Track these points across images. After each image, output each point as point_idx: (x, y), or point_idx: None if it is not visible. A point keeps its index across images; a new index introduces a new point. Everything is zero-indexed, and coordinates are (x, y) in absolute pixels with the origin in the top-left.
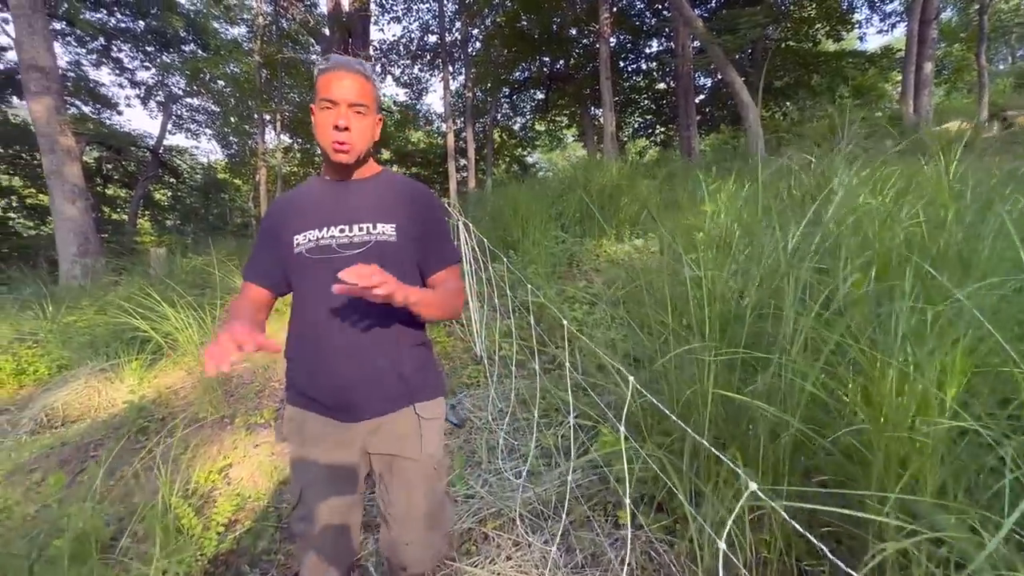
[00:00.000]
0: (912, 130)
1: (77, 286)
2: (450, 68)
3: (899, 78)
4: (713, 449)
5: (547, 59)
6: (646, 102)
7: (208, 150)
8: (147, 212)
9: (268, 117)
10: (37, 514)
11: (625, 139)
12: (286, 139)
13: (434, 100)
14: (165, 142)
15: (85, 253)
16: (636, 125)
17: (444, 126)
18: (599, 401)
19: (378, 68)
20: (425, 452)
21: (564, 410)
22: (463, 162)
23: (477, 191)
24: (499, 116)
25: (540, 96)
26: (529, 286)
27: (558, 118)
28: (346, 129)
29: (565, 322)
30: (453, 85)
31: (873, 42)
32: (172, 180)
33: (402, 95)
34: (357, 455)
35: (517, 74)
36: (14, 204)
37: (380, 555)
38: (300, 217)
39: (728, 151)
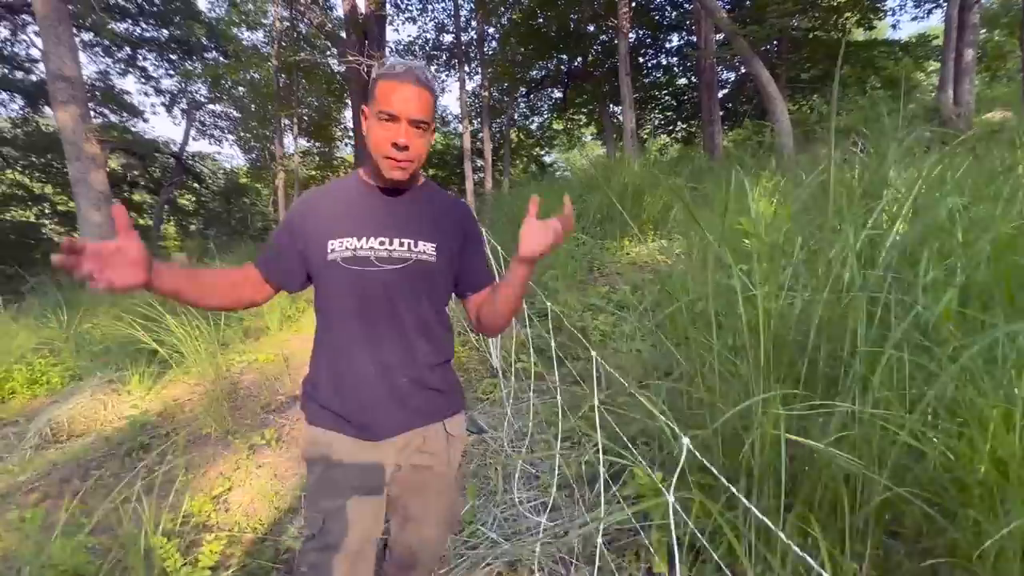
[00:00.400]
0: (951, 121)
1: (101, 291)
2: (466, 68)
3: (934, 67)
4: (769, 522)
5: (564, 57)
6: (666, 98)
7: (230, 155)
8: (173, 217)
9: (287, 121)
10: (18, 548)
11: (645, 136)
12: (304, 143)
13: (450, 101)
14: (189, 148)
15: None
16: (656, 122)
17: (460, 127)
18: (621, 432)
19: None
20: (451, 466)
21: (588, 435)
22: (479, 163)
23: (494, 192)
24: (516, 116)
25: (558, 95)
26: (545, 298)
27: (576, 116)
28: (406, 148)
29: (594, 355)
30: (469, 85)
31: (907, 30)
32: (196, 185)
33: None
34: (388, 475)
35: (534, 73)
36: (46, 211)
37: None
38: (337, 221)
39: (753, 147)
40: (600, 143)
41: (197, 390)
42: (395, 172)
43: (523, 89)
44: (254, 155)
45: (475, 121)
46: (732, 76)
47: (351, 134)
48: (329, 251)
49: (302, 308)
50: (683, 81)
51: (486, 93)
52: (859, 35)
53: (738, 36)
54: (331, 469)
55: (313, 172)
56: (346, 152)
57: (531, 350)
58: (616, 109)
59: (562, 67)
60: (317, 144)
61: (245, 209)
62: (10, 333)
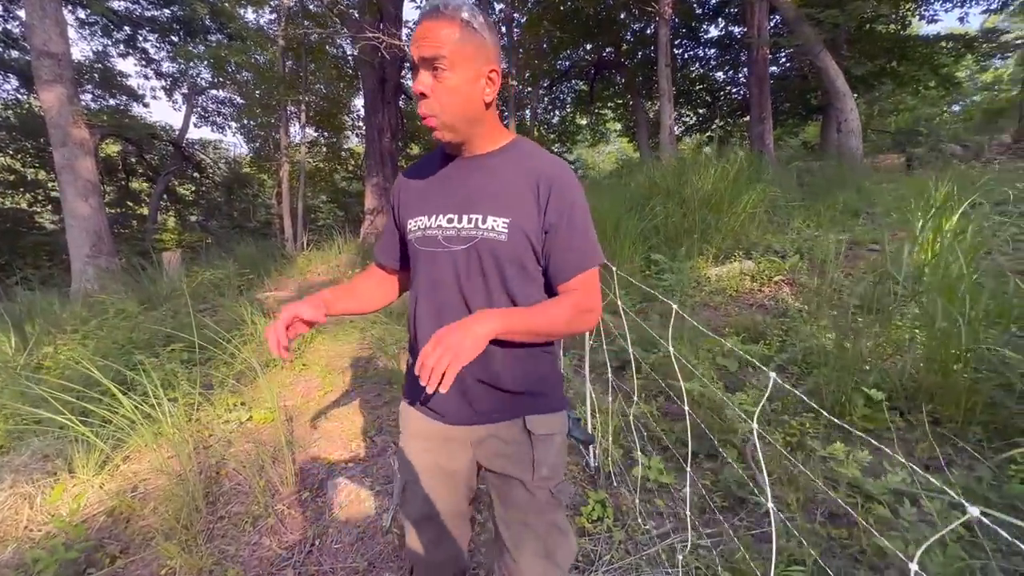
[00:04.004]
0: None
1: (84, 289)
2: None
3: (996, 65)
4: None
5: (589, 46)
6: (703, 94)
7: (233, 143)
8: (172, 207)
9: (293, 109)
10: None
11: (679, 133)
12: (311, 132)
13: None
14: (190, 135)
15: (98, 254)
16: (691, 119)
17: None
18: None
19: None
20: (538, 475)
21: None
22: None
23: None
24: (539, 109)
25: (583, 86)
26: (651, 366)
27: (602, 111)
28: (423, 96)
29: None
30: None
31: (975, 23)
32: (195, 174)
33: None
34: (463, 462)
35: (559, 62)
36: (39, 198)
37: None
38: (416, 198)
39: (813, 150)
40: (627, 139)
41: (170, 465)
42: (433, 135)
43: (545, 81)
44: (258, 144)
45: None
46: (774, 69)
47: (360, 123)
48: (409, 231)
49: (309, 338)
50: (719, 75)
51: (514, 82)
52: (920, 28)
53: (805, 23)
54: (407, 440)
55: (321, 164)
56: (354, 143)
57: (637, 437)
58: (646, 103)
59: (590, 56)
60: (325, 134)
61: (247, 200)
62: None
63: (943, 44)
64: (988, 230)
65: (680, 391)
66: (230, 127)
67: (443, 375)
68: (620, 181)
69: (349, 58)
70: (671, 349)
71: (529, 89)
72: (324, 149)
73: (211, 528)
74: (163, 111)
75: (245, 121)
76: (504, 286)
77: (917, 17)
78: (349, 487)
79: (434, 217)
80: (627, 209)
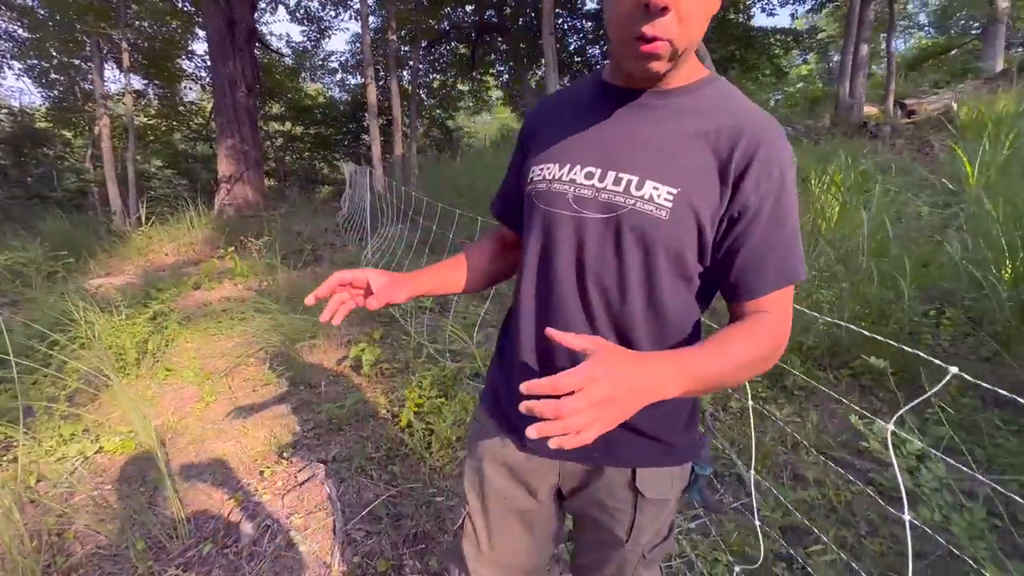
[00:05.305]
0: (847, 111)
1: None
2: (368, 1)
3: (815, 62)
4: None
5: (470, 7)
6: (582, 67)
7: (15, 89)
8: None
9: (106, 48)
10: None
11: None
12: (138, 82)
13: (338, 44)
14: None
15: None
16: None
17: (360, 77)
18: None
19: None
20: (635, 539)
21: None
22: (366, 124)
23: (404, 159)
24: (421, 70)
25: (463, 50)
26: None
27: (485, 77)
28: (664, 10)
29: None
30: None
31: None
32: None
33: (297, 34)
34: (544, 495)
35: (440, 24)
36: None
37: None
38: (550, 137)
39: None
40: (512, 108)
41: None
42: (645, 64)
43: (424, 42)
44: (57, 92)
45: (378, 72)
46: None
47: (205, 74)
48: (530, 180)
49: (171, 335)
50: (595, 51)
51: (394, 36)
52: (761, 20)
53: None
54: (477, 459)
55: (152, 120)
56: (196, 96)
57: None
58: (533, 72)
59: (469, 18)
60: (156, 85)
61: (48, 163)
62: None
63: (778, 37)
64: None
65: None
66: (10, 67)
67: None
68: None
69: None
70: None
71: (406, 48)
72: (156, 102)
73: None
74: None
75: (35, 61)
76: (648, 286)
77: (759, 9)
78: (272, 528)
79: (568, 167)
80: None
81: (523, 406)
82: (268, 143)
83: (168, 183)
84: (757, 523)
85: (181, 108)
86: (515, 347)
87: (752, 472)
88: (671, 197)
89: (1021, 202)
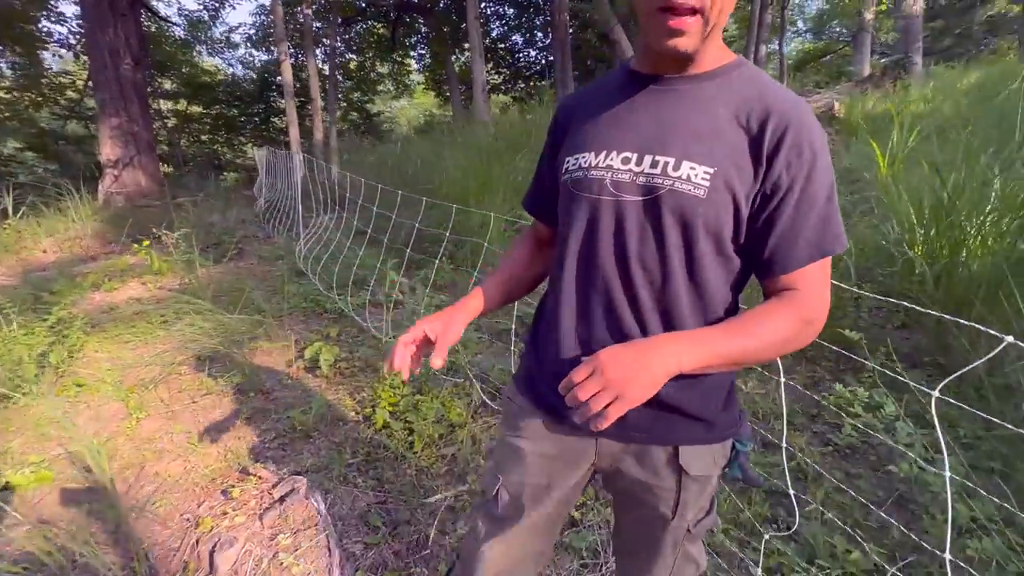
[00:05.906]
0: None
1: None
2: None
3: None
4: None
5: None
6: (504, 55)
7: None
8: None
9: None
10: None
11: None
12: None
13: (242, 15)
14: None
15: None
16: (496, 78)
17: (267, 53)
18: None
19: None
20: (681, 516)
21: None
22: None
23: (324, 145)
24: (337, 48)
25: (382, 30)
26: None
27: (406, 60)
28: None
29: None
30: None
31: None
32: None
33: (191, 2)
34: (579, 475)
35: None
36: None
37: None
38: (581, 127)
39: None
40: (435, 93)
41: None
42: (672, 42)
43: (339, 19)
44: None
45: (294, 50)
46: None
47: (72, 40)
48: (564, 170)
49: (75, 344)
50: (516, 38)
51: (309, 10)
52: None
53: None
54: (511, 436)
55: (5, 94)
56: (63, 65)
57: None
58: (453, 58)
59: None
60: (13, 49)
61: None
62: None
63: None
64: None
65: None
66: None
67: (600, 412)
68: (448, 136)
69: None
70: None
71: (319, 25)
72: (11, 72)
73: None
74: None
75: None
76: (689, 266)
77: None
78: (255, 553)
79: (604, 153)
80: (484, 162)
81: (562, 392)
82: (159, 123)
83: (31, 169)
84: (791, 492)
85: (45, 80)
86: (555, 334)
87: (784, 443)
88: (708, 176)
89: (925, 189)
